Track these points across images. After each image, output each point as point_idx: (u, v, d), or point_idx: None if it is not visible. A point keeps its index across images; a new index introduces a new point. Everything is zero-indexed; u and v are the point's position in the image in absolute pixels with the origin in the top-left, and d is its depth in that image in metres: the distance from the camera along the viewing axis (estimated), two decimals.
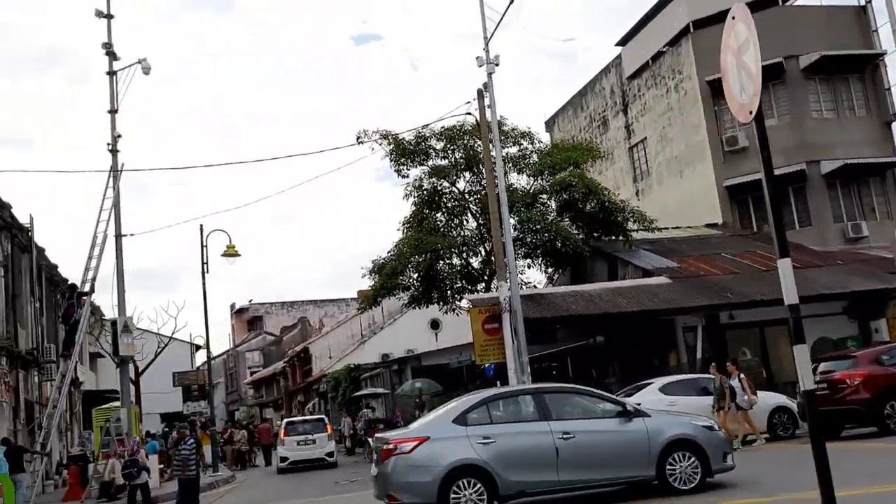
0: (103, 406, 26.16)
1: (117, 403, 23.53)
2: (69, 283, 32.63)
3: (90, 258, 20.26)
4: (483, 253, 25.42)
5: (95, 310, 42.24)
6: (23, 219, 27.39)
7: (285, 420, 29.95)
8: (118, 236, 20.30)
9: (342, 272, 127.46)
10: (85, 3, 22.92)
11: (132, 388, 28.09)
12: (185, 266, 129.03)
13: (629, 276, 23.48)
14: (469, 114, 18.85)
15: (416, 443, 9.37)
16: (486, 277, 25.28)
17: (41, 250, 30.81)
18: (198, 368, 45.66)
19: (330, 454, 24.95)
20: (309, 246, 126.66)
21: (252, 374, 72.92)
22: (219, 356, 74.68)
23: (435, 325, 46.12)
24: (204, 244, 24.54)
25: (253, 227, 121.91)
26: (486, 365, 18.20)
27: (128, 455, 17.41)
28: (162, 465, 22.95)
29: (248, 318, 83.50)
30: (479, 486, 9.17)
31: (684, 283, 21.21)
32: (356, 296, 72.93)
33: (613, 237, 24.89)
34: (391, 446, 9.50)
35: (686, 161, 29.52)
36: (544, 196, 25.25)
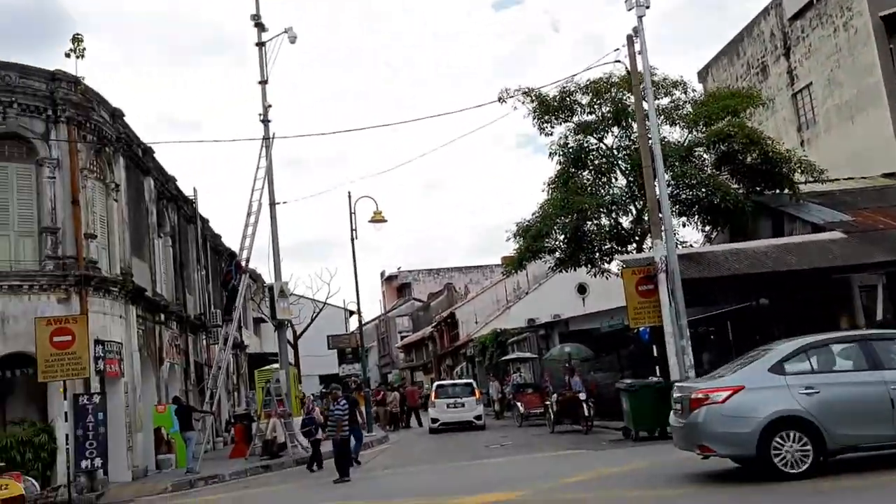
0: (264, 368, 27.44)
1: (277, 365, 24.60)
2: (229, 251, 34.51)
3: (247, 225, 21.08)
4: (633, 212, 24.29)
5: (256, 277, 44.65)
6: (187, 192, 29.01)
7: (436, 383, 30.85)
8: (272, 204, 20.99)
9: (486, 240, 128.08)
10: None
11: (290, 350, 29.22)
12: (337, 235, 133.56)
13: (797, 231, 21.68)
14: (618, 61, 17.83)
15: (730, 392, 9.11)
16: (636, 238, 24.19)
17: (205, 221, 32.56)
18: (351, 332, 47.07)
19: (478, 417, 25.55)
20: (454, 213, 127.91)
21: (402, 338, 74.82)
22: (371, 321, 77.09)
23: (582, 289, 45.21)
24: (352, 211, 24.99)
25: (400, 195, 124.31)
26: (641, 328, 17.33)
27: (304, 413, 18.24)
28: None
29: (398, 285, 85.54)
30: (803, 439, 8.84)
31: (861, 238, 19.30)
32: (500, 262, 74.04)
33: (778, 190, 23.06)
34: (701, 395, 9.28)
35: (858, 106, 26.92)
36: (700, 149, 23.71)
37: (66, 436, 15.77)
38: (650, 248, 22.32)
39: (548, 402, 20.86)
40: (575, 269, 25.51)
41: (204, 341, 29.39)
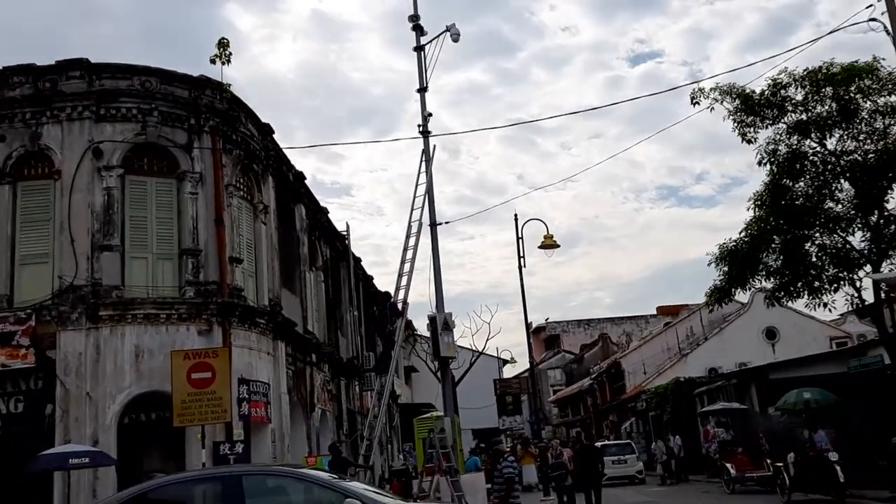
0: (424, 416, 24.50)
1: (439, 413, 21.61)
2: (383, 293, 32.31)
3: (405, 250, 18.33)
4: (865, 228, 19.68)
5: (408, 325, 42.46)
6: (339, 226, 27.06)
7: (601, 443, 29.40)
8: (433, 224, 18.19)
9: (627, 298, 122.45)
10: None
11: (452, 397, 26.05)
12: (482, 282, 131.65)
13: None
14: (873, 20, 13.91)
15: None
16: (873, 258, 19.53)
17: (357, 260, 30.54)
18: (520, 374, 43.72)
19: (640, 472, 30.19)
20: (588, 269, 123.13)
21: (554, 392, 70.63)
22: (521, 374, 73.49)
23: (771, 334, 40.01)
24: (519, 236, 21.86)
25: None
26: None
27: (553, 457, 17.98)
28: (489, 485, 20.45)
29: (545, 337, 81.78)
30: None
31: None
32: (655, 312, 68.90)
33: None
34: None
35: None
36: None
37: None
38: (892, 269, 17.78)
39: (778, 464, 16.52)
40: (792, 300, 21.01)
41: (357, 388, 26.94)
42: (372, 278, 33.53)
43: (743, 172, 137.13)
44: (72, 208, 14.52)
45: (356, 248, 31.43)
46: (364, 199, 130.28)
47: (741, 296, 25.37)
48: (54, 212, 14.72)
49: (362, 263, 31.45)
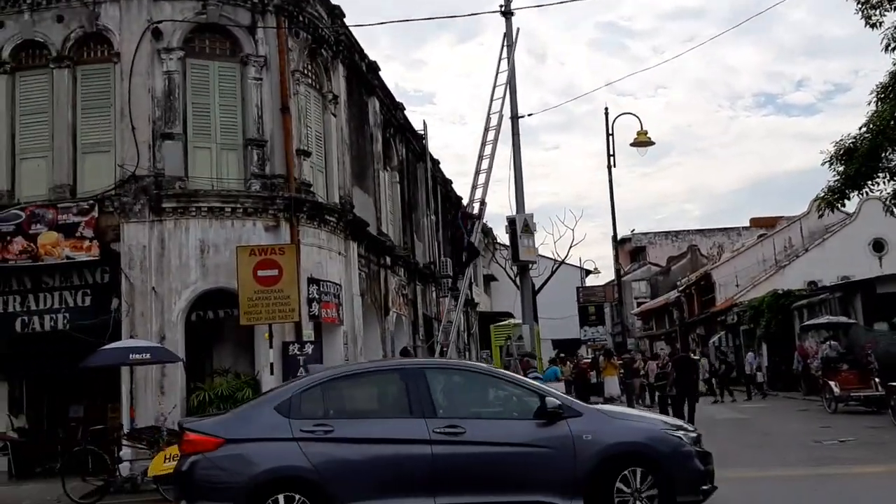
0: (501, 323, 23.63)
1: (517, 321, 20.69)
2: (459, 199, 31.08)
3: (483, 144, 17.07)
4: None
5: (487, 231, 41.33)
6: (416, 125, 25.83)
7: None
8: (514, 117, 16.78)
9: (718, 210, 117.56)
10: None
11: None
12: (565, 192, 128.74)
13: None
14: None
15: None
16: None
17: (436, 162, 29.33)
18: (606, 284, 42.48)
19: None
20: (677, 179, 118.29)
21: (638, 305, 68.99)
22: (605, 285, 72.10)
23: (879, 246, 37.21)
24: (610, 132, 20.12)
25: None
26: None
27: (658, 367, 18.03)
28: None
29: (631, 249, 79.59)
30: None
31: None
32: (748, 224, 65.73)
33: None
34: None
35: None
36: None
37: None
38: None
39: (893, 384, 14.88)
40: None
41: (433, 294, 26.20)
42: (451, 182, 32.33)
43: (846, 79, 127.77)
44: (132, 93, 13.69)
45: (437, 156, 30.37)
46: (446, 107, 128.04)
47: (854, 202, 23.21)
48: (114, 97, 13.94)
49: (441, 167, 30.26)
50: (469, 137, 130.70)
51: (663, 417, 8.14)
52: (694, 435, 7.49)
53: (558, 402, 7.18)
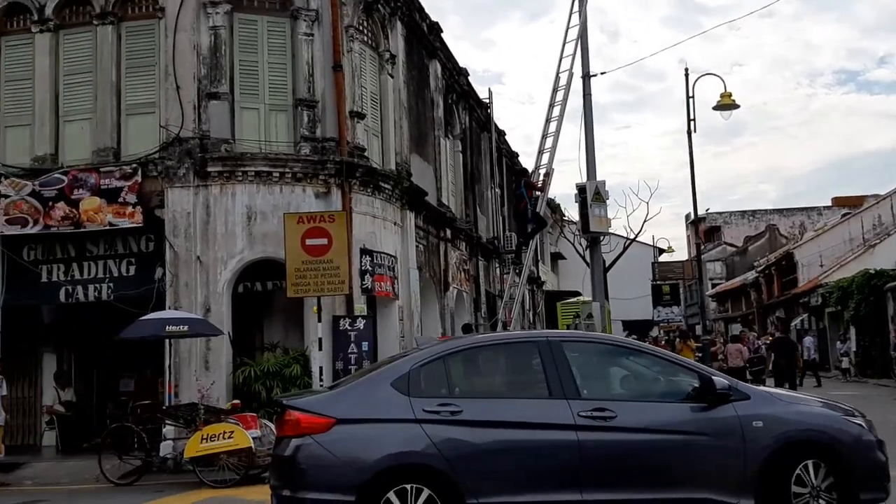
0: (569, 300, 22.34)
1: (586, 298, 19.40)
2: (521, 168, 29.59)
3: (551, 106, 15.73)
4: None
5: (555, 208, 39.84)
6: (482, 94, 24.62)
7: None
8: (585, 76, 15.40)
9: (795, 191, 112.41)
10: None
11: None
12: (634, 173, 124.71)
13: None
14: None
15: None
16: None
17: (501, 133, 28.11)
18: (685, 260, 40.54)
19: None
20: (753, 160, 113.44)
21: (713, 286, 66.47)
22: (683, 262, 69.72)
23: None
24: (690, 94, 18.50)
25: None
26: None
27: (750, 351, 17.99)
28: None
29: (705, 229, 76.65)
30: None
31: None
32: (830, 203, 62.56)
33: None
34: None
35: None
36: None
37: (321, 368, 11.84)
38: None
39: None
40: None
41: (497, 270, 25.06)
42: (517, 155, 31.01)
43: None
44: (176, 50, 12.90)
45: (507, 136, 29.02)
46: (515, 87, 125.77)
47: None
48: (159, 55, 13.18)
49: (507, 139, 28.98)
50: (538, 118, 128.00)
51: (830, 400, 6.84)
52: (868, 420, 6.36)
53: (727, 382, 6.09)
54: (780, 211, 70.67)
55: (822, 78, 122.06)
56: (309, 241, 11.84)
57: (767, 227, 61.00)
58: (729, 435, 5.82)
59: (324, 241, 11.86)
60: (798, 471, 5.84)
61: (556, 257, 43.97)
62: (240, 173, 12.79)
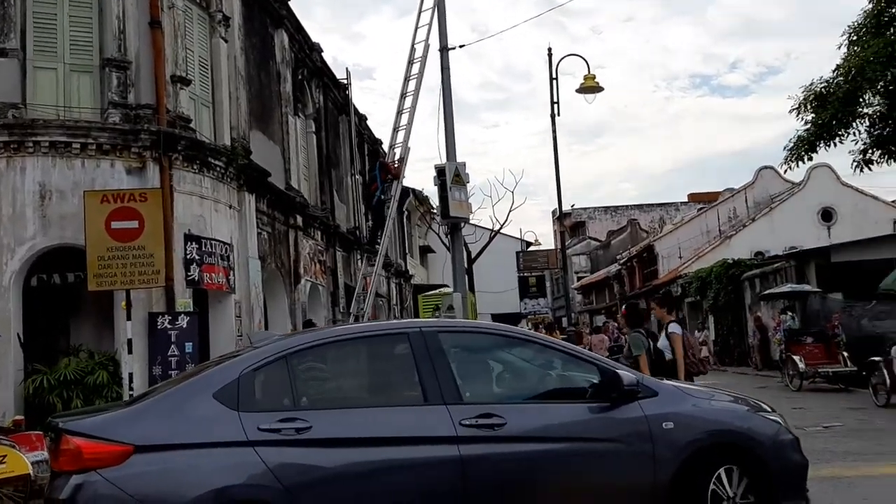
0: (430, 292, 21.18)
1: (447, 289, 18.27)
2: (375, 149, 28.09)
3: (406, 80, 14.39)
4: None
5: (423, 200, 38.68)
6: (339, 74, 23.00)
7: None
8: (443, 49, 14.16)
9: (654, 190, 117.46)
10: None
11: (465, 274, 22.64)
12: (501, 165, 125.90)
13: None
14: None
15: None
16: None
17: (363, 117, 26.57)
18: (550, 249, 40.38)
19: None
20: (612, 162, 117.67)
21: (579, 279, 67.80)
22: (548, 251, 70.80)
23: (827, 215, 35.98)
24: (553, 76, 17.67)
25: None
26: None
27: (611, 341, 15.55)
28: None
29: (571, 224, 78.45)
30: None
31: None
32: (687, 199, 65.33)
33: None
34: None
35: None
36: None
37: (131, 375, 9.95)
38: None
39: (876, 359, 12.95)
40: (890, 161, 16.96)
41: (359, 262, 23.54)
42: (380, 143, 29.55)
43: (779, 61, 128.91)
44: None
45: (378, 134, 27.59)
46: (387, 83, 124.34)
47: (802, 171, 21.40)
48: None
49: (378, 134, 27.51)
50: None
51: (737, 393, 5.84)
52: (782, 416, 5.56)
53: (634, 376, 5.13)
54: (640, 206, 73.32)
55: (678, 81, 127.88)
56: (115, 224, 9.97)
57: (629, 222, 62.83)
58: (636, 439, 4.88)
59: (134, 223, 10.02)
60: (714, 479, 4.92)
61: (426, 250, 42.94)
62: (31, 144, 10.67)
